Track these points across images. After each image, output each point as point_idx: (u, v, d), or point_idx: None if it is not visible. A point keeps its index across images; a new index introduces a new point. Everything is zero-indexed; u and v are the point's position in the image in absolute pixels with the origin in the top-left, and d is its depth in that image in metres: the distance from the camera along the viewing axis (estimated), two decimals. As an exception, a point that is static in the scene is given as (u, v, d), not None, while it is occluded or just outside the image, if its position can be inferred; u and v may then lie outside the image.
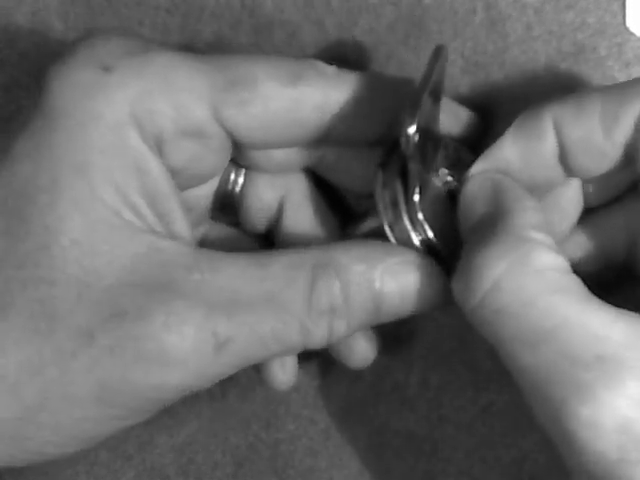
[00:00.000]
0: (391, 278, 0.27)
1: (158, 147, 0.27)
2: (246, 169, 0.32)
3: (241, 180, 0.32)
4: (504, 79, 0.33)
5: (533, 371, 0.24)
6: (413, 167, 0.27)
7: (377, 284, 0.27)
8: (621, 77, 0.32)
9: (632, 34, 0.32)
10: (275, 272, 0.26)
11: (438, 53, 0.27)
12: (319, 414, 0.36)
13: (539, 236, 0.25)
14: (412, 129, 0.26)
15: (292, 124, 0.28)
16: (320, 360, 0.36)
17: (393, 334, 0.34)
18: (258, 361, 0.27)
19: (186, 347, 0.25)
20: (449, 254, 0.28)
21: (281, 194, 0.32)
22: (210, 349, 0.25)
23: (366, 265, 0.27)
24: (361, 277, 0.27)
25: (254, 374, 0.36)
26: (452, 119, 0.31)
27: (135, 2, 0.34)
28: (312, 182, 0.33)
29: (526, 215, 0.26)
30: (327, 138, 0.29)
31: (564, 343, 0.23)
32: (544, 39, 0.32)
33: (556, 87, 0.33)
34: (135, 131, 0.26)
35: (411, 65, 0.33)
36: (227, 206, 0.32)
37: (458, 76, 0.33)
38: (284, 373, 0.32)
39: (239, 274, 0.26)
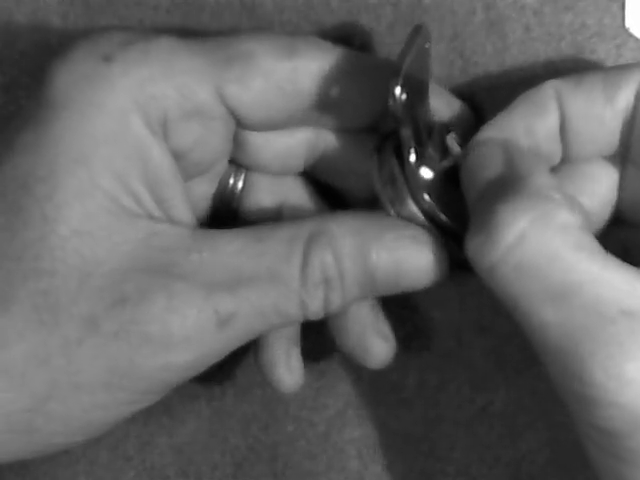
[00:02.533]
0: (387, 253, 0.27)
1: (163, 131, 0.27)
2: (246, 170, 0.32)
3: (240, 184, 0.32)
4: (503, 80, 0.33)
5: (555, 327, 0.24)
6: (405, 132, 0.27)
7: (371, 258, 0.27)
8: (620, 79, 0.32)
9: (631, 36, 0.32)
10: (273, 246, 0.27)
11: (417, 30, 0.27)
12: (318, 415, 0.36)
13: (559, 195, 0.25)
14: (398, 89, 0.26)
15: (291, 96, 0.28)
16: (319, 362, 0.36)
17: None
18: (259, 334, 0.28)
19: (189, 327, 0.26)
20: (453, 225, 0.28)
21: (280, 199, 0.32)
22: (213, 327, 0.26)
23: (361, 238, 0.27)
24: (355, 250, 0.27)
25: (253, 375, 0.36)
26: (444, 108, 0.31)
27: (135, 2, 0.34)
28: (311, 187, 0.33)
29: (545, 176, 0.26)
30: (324, 112, 0.29)
31: (589, 298, 0.23)
32: (543, 40, 0.32)
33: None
34: (138, 118, 0.27)
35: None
36: (225, 210, 0.32)
37: (457, 76, 0.33)
38: (291, 374, 0.32)
39: (238, 251, 0.26)
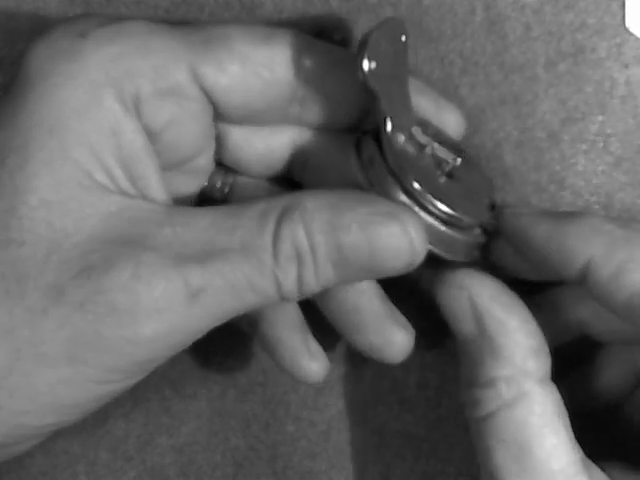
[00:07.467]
0: (359, 227, 0.26)
1: (136, 108, 0.27)
2: (232, 173, 0.32)
3: (226, 190, 0.32)
4: (503, 79, 0.33)
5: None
6: (381, 104, 0.27)
7: (342, 232, 0.26)
8: (620, 78, 0.32)
9: (631, 35, 0.32)
10: (247, 220, 0.26)
11: (389, 19, 0.27)
12: (318, 415, 0.36)
13: (531, 367, 0.27)
14: (365, 61, 0.26)
15: (269, 83, 0.28)
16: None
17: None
18: (236, 313, 0.27)
19: (157, 297, 0.25)
20: (441, 207, 0.27)
21: None
22: (183, 299, 0.25)
23: (333, 212, 0.26)
24: (327, 224, 0.26)
25: (253, 375, 0.36)
26: (430, 106, 0.30)
27: (134, 2, 0.34)
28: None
29: (514, 344, 0.27)
30: (304, 107, 0.29)
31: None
32: (543, 39, 0.32)
33: (555, 88, 0.33)
34: (111, 92, 0.26)
35: (410, 65, 0.33)
36: None
37: (457, 76, 0.33)
38: (315, 361, 0.31)
39: (211, 225, 0.26)
